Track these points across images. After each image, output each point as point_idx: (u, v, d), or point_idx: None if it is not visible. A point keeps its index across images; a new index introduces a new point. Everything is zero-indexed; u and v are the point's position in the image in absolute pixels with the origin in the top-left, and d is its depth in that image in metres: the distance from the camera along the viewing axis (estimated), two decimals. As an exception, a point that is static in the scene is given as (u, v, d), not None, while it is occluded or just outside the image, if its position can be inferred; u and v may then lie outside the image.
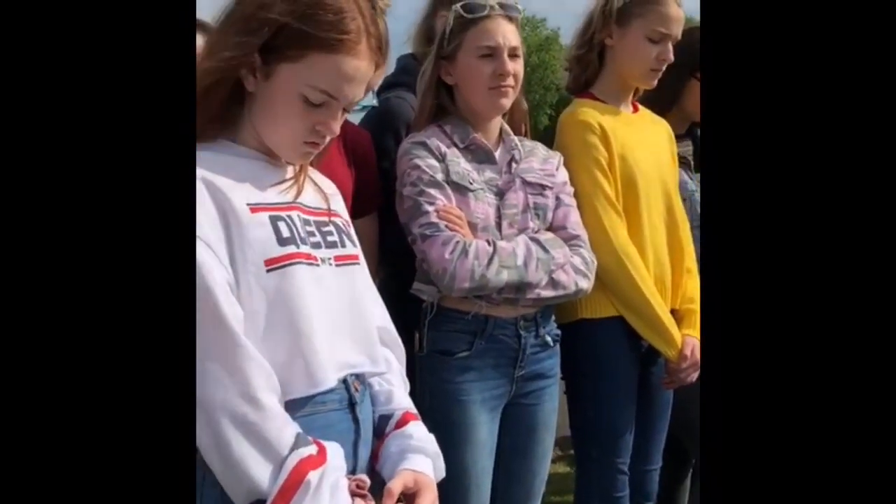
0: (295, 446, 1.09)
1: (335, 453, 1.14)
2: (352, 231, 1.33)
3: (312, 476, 1.07)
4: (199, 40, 1.93)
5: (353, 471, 1.20)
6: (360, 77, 1.19)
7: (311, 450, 1.10)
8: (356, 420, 1.22)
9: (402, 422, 1.29)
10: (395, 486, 1.19)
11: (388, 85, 2.14)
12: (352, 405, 1.21)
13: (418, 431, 1.28)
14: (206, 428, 1.06)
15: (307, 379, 1.15)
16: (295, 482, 1.07)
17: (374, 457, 1.26)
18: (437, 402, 1.73)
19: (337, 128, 1.22)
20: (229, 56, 1.15)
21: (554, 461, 2.01)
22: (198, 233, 1.08)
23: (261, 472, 1.07)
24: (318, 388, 1.16)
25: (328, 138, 1.23)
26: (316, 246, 1.20)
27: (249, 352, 1.09)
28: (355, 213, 1.67)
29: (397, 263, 1.88)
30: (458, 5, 1.77)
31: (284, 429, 1.10)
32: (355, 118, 2.06)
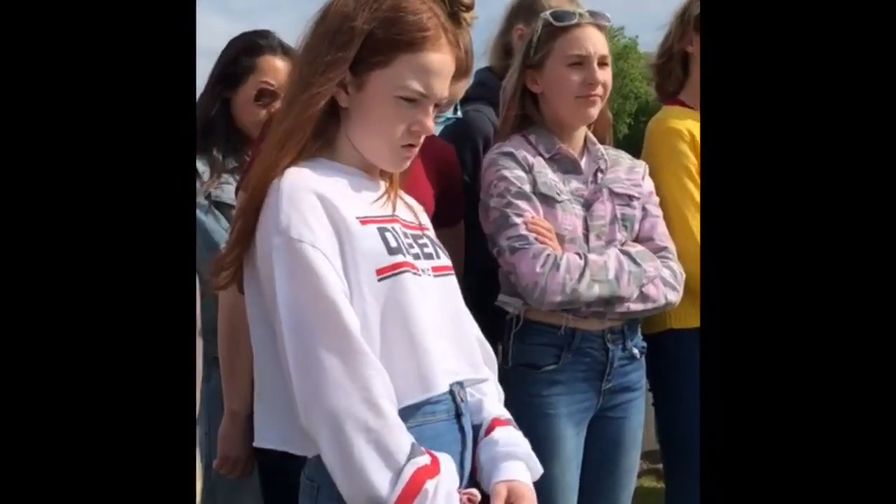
0: (411, 455, 1.11)
1: (448, 464, 1.15)
2: (441, 244, 1.36)
3: (429, 485, 1.10)
4: (280, 62, 1.98)
5: (461, 482, 1.21)
6: (446, 71, 1.24)
7: (426, 460, 1.12)
8: (462, 430, 1.24)
9: (490, 429, 1.30)
10: None
11: (467, 98, 2.13)
12: (458, 415, 1.23)
13: (505, 436, 1.29)
14: (328, 434, 1.10)
15: (420, 383, 1.17)
16: (413, 491, 1.09)
17: (473, 465, 1.28)
18: (523, 416, 1.68)
19: (431, 125, 1.26)
20: (326, 78, 1.20)
21: (640, 475, 1.98)
22: (315, 244, 1.13)
23: (380, 479, 1.09)
24: (430, 392, 1.18)
25: (423, 138, 1.27)
26: (416, 257, 1.24)
27: (370, 359, 1.12)
28: (440, 223, 1.67)
29: (479, 275, 1.87)
30: (548, 13, 1.77)
31: (402, 437, 1.12)
32: (435, 131, 2.06)
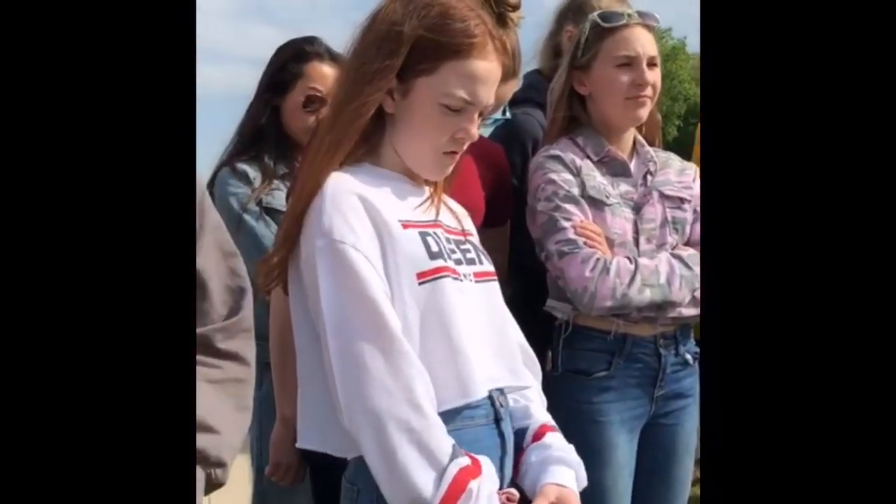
0: (454, 456, 1.11)
1: (488, 465, 1.15)
2: (484, 249, 1.35)
3: (473, 485, 1.10)
4: (328, 69, 2.00)
5: (499, 486, 1.20)
6: (493, 79, 1.23)
7: (467, 460, 1.12)
8: (502, 435, 1.24)
9: (540, 433, 1.29)
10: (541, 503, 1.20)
11: (515, 101, 2.12)
12: (497, 420, 1.22)
13: (558, 441, 1.29)
14: (371, 434, 1.10)
15: (459, 389, 1.17)
16: (457, 491, 1.09)
17: (515, 469, 1.27)
18: (574, 423, 1.67)
19: (475, 132, 1.26)
20: (375, 87, 1.20)
21: (694, 483, 1.94)
22: (357, 246, 1.14)
23: (424, 479, 1.09)
24: (468, 398, 1.18)
25: (466, 145, 1.26)
26: (458, 262, 1.24)
27: (412, 359, 1.13)
28: (488, 223, 1.66)
29: (526, 280, 1.85)
30: (596, 14, 1.75)
31: (444, 438, 1.12)
32: (484, 133, 2.05)
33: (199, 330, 1.06)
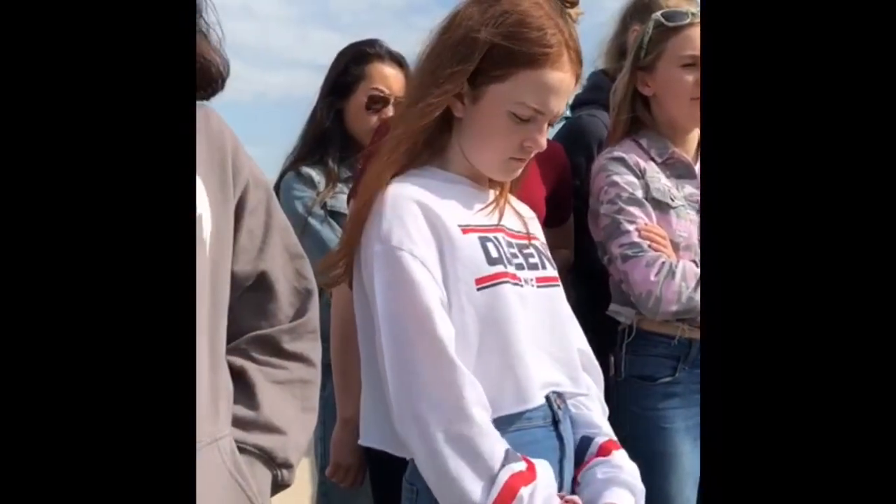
0: (506, 461, 1.09)
1: (544, 470, 1.14)
2: (549, 254, 1.34)
3: (524, 492, 1.08)
4: (389, 69, 2.01)
5: (559, 488, 1.20)
6: (565, 89, 1.23)
7: (521, 466, 1.10)
8: (560, 438, 1.23)
9: (608, 449, 1.27)
10: None
11: (580, 102, 2.10)
12: (555, 422, 1.22)
13: (628, 465, 1.26)
14: (421, 442, 1.10)
15: (517, 395, 1.17)
16: (507, 497, 1.07)
17: (574, 478, 1.25)
18: (638, 430, 1.65)
19: (544, 142, 1.25)
20: (444, 90, 1.20)
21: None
22: (414, 252, 1.14)
23: (474, 486, 1.08)
24: (526, 404, 1.17)
25: (534, 153, 1.26)
26: (519, 267, 1.23)
27: (461, 369, 1.12)
28: (550, 222, 1.66)
29: (589, 284, 1.83)
30: (659, 14, 1.72)
31: (496, 444, 1.11)
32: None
33: (265, 331, 1.08)
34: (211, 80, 1.05)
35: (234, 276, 1.04)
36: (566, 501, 1.16)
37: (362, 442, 1.25)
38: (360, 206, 1.23)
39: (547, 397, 1.21)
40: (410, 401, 1.11)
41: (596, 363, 1.36)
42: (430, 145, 1.26)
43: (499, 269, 1.19)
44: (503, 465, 1.09)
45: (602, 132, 1.96)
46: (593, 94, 2.09)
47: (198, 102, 1.06)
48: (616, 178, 1.67)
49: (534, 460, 1.13)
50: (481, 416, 1.11)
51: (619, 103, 1.77)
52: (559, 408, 1.23)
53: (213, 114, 1.07)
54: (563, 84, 1.21)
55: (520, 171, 1.29)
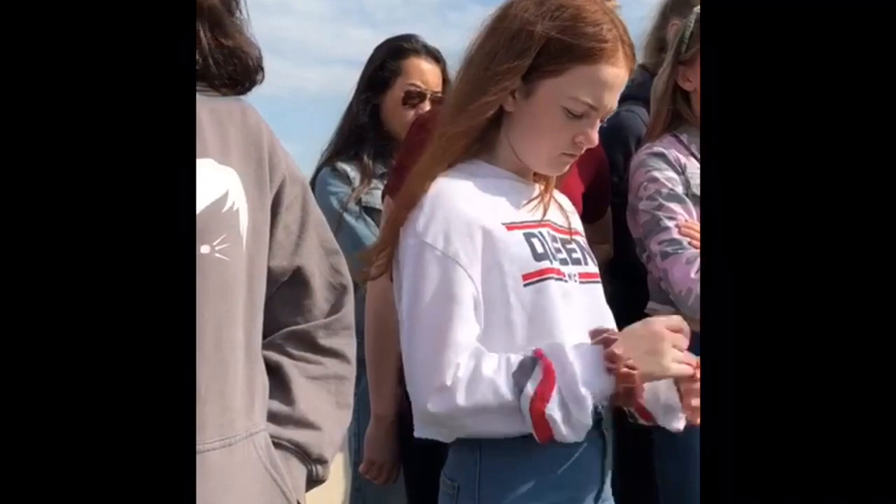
0: (516, 386, 1.10)
1: (561, 363, 1.11)
2: (591, 250, 1.34)
3: (551, 411, 1.09)
4: (426, 64, 2.00)
5: (599, 491, 1.21)
6: (619, 84, 1.22)
7: (533, 382, 1.10)
8: (602, 436, 1.21)
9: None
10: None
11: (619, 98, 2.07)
12: (598, 421, 1.18)
13: None
14: (447, 432, 1.16)
15: None
16: (541, 426, 1.09)
17: None
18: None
19: (596, 137, 1.23)
20: (501, 87, 1.19)
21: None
22: (448, 251, 1.14)
23: (510, 428, 1.11)
24: None
25: (585, 149, 1.24)
26: (563, 262, 1.22)
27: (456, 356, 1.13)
28: (588, 218, 1.63)
29: (625, 280, 1.81)
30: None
31: (497, 378, 1.11)
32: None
33: (301, 326, 1.08)
34: (249, 74, 1.05)
35: (270, 272, 1.04)
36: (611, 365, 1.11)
37: (417, 434, 1.23)
38: (405, 199, 1.22)
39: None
40: (421, 403, 1.13)
41: None
42: (478, 140, 1.24)
43: (544, 264, 1.18)
44: (517, 392, 1.09)
45: (640, 128, 1.94)
46: (632, 89, 2.05)
47: (235, 98, 1.07)
48: (656, 173, 1.64)
49: (547, 356, 1.11)
50: (468, 363, 1.12)
51: (659, 98, 1.75)
52: (602, 406, 1.20)
53: (249, 109, 1.07)
54: (617, 79, 1.20)
55: (568, 166, 1.28)
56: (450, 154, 1.23)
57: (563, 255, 1.23)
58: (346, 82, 2.08)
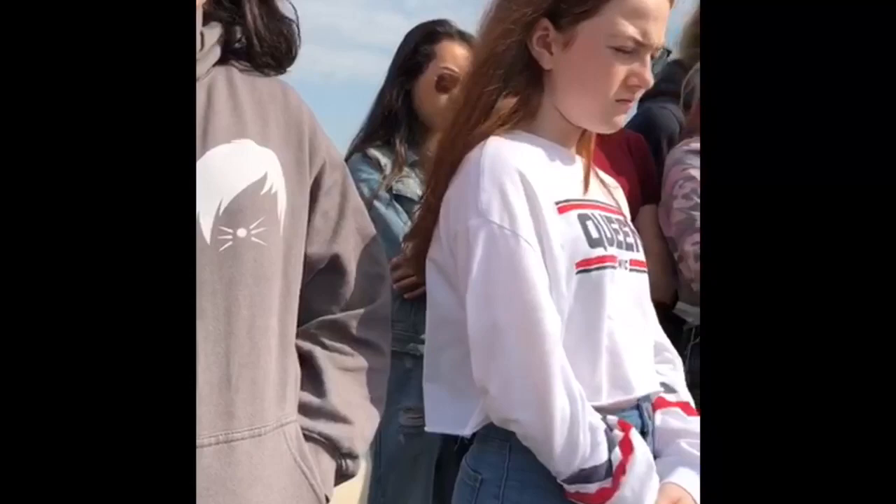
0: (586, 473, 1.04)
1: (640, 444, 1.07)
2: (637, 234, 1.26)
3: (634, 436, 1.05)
4: (459, 49, 1.96)
5: None
6: (662, 14, 1.11)
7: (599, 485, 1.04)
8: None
9: (690, 408, 1.21)
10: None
11: (650, 93, 2.03)
12: (643, 434, 1.13)
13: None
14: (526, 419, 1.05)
15: (611, 384, 1.10)
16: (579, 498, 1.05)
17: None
18: (701, 433, 1.61)
19: (650, 76, 1.13)
20: (521, 12, 1.10)
21: None
22: (519, 231, 1.05)
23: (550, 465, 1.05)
24: (627, 394, 1.11)
25: (639, 93, 1.15)
26: (619, 246, 1.14)
27: (560, 378, 1.04)
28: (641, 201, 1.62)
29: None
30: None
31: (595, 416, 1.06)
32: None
33: (336, 315, 1.05)
34: (291, 54, 1.03)
35: (306, 258, 1.02)
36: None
37: (429, 428, 1.17)
38: (438, 164, 1.13)
39: (639, 405, 1.14)
40: (509, 418, 1.05)
41: (674, 351, 1.28)
42: (520, 107, 1.13)
43: (600, 252, 1.09)
44: (582, 478, 1.03)
45: (672, 125, 1.90)
46: (665, 84, 2.02)
47: (275, 77, 1.05)
48: (693, 171, 1.61)
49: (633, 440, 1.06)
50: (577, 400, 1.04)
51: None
52: (650, 417, 1.16)
53: (291, 91, 1.05)
54: (659, 7, 1.09)
55: (623, 118, 1.17)
56: (482, 111, 1.12)
57: (620, 238, 1.14)
58: (377, 68, 2.06)
